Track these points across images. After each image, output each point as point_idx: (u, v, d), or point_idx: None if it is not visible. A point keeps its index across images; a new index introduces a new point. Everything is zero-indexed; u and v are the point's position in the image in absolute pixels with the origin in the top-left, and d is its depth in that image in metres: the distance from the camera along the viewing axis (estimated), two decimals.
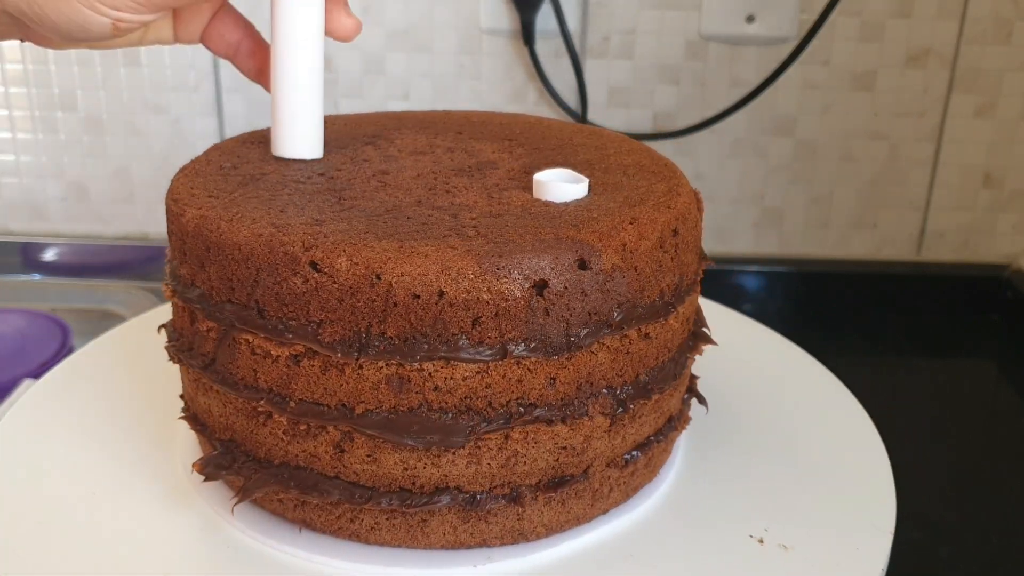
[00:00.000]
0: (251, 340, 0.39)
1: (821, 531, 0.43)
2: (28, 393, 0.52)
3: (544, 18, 0.76)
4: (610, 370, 0.40)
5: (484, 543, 0.41)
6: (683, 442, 0.49)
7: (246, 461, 0.41)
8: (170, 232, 0.43)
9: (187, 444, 0.48)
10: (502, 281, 0.37)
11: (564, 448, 0.40)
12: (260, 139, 0.48)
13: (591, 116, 0.80)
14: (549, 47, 0.78)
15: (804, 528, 0.43)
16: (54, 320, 0.73)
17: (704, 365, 0.51)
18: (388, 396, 0.38)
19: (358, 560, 0.41)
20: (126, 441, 0.48)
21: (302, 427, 0.39)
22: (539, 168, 0.45)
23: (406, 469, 0.39)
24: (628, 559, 0.41)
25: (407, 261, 0.36)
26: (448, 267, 0.36)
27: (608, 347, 0.40)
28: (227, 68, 0.80)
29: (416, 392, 0.38)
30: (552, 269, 0.37)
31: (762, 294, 0.83)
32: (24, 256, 0.84)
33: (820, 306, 0.82)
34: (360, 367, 0.37)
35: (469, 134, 0.51)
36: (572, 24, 0.77)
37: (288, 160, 0.45)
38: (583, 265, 0.38)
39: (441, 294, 0.36)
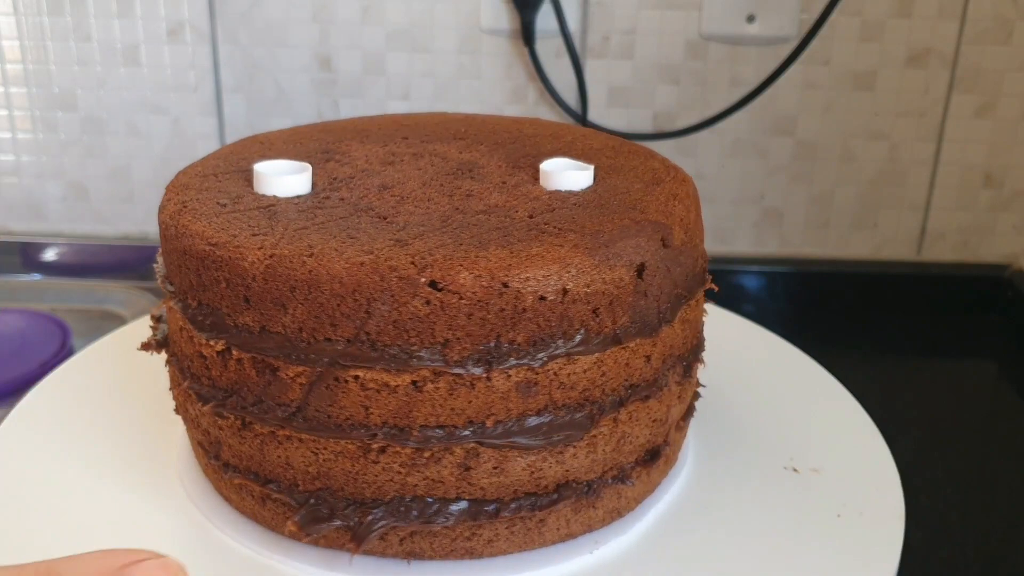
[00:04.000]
0: (362, 375, 0.37)
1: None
2: (28, 395, 0.52)
3: (544, 18, 0.76)
4: (681, 339, 0.42)
5: (590, 528, 0.42)
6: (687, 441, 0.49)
7: (348, 506, 0.39)
8: (214, 280, 0.39)
9: (185, 447, 0.48)
10: (614, 270, 0.38)
11: (655, 420, 0.41)
12: (218, 170, 0.46)
13: (591, 116, 0.80)
14: (549, 47, 0.78)
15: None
16: (54, 320, 0.72)
17: (703, 367, 0.51)
18: (517, 403, 0.38)
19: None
20: (125, 444, 0.48)
21: (426, 455, 0.38)
22: (520, 162, 0.45)
23: (532, 473, 0.39)
24: (702, 514, 0.44)
25: (529, 265, 0.36)
26: (567, 264, 0.37)
27: (681, 318, 0.42)
28: (227, 68, 0.80)
29: (543, 393, 0.38)
30: (647, 251, 0.39)
31: (762, 294, 0.83)
32: (24, 256, 0.84)
33: (820, 306, 0.82)
34: (489, 379, 0.37)
35: (416, 138, 0.50)
36: (572, 24, 0.77)
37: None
38: (665, 243, 0.40)
39: (565, 292, 0.37)
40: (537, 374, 0.37)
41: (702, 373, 0.50)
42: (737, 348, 0.58)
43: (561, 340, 0.37)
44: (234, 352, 0.39)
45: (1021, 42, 0.77)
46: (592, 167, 0.43)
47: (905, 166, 0.81)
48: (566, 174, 0.42)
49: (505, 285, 0.36)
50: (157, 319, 0.46)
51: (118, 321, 0.73)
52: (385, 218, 0.40)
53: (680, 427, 0.45)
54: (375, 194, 0.43)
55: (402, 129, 0.52)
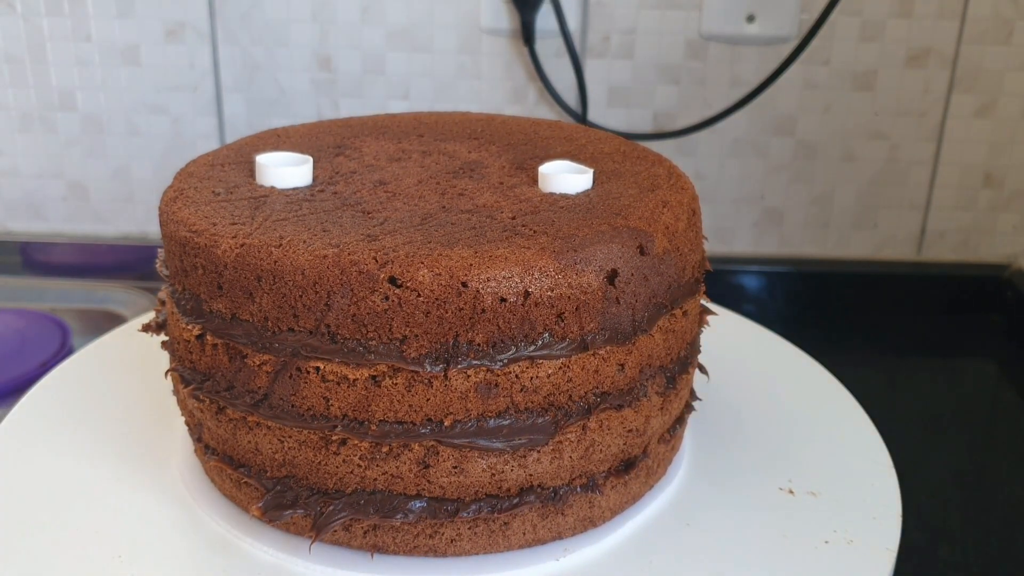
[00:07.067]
0: (322, 367, 0.37)
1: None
2: (28, 395, 0.52)
3: (544, 18, 0.76)
4: (663, 350, 0.41)
5: (559, 536, 0.41)
6: (686, 441, 0.49)
7: (311, 495, 0.40)
8: (193, 267, 0.40)
9: (185, 446, 0.48)
10: (581, 275, 0.37)
11: (631, 431, 0.41)
12: (227, 160, 0.47)
13: (591, 116, 0.80)
14: (549, 47, 0.78)
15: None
16: (54, 320, 0.73)
17: (707, 379, 0.51)
18: (476, 404, 0.37)
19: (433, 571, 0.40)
20: (125, 443, 0.48)
21: (384, 449, 0.38)
22: (525, 163, 0.45)
23: (493, 475, 0.39)
24: (681, 530, 0.43)
25: (490, 266, 0.36)
26: (530, 267, 0.36)
27: (661, 328, 0.41)
28: (227, 68, 0.80)
29: (504, 396, 0.37)
30: (620, 258, 0.38)
31: (762, 294, 0.83)
32: (24, 256, 0.84)
33: (820, 306, 0.82)
34: (447, 378, 0.37)
35: (432, 136, 0.51)
36: (572, 24, 0.77)
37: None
38: (643, 251, 0.39)
39: (527, 295, 0.36)
40: (497, 376, 0.37)
41: (702, 382, 0.51)
42: (737, 348, 0.58)
43: (523, 343, 0.37)
44: (208, 337, 0.40)
45: (1021, 42, 0.77)
46: (591, 171, 0.43)
47: (905, 166, 0.81)
48: (563, 177, 0.42)
49: (464, 285, 0.36)
50: (163, 302, 0.47)
51: (118, 321, 0.73)
52: (369, 213, 0.40)
53: (666, 439, 0.44)
54: (368, 189, 0.43)
55: (420, 127, 0.52)
